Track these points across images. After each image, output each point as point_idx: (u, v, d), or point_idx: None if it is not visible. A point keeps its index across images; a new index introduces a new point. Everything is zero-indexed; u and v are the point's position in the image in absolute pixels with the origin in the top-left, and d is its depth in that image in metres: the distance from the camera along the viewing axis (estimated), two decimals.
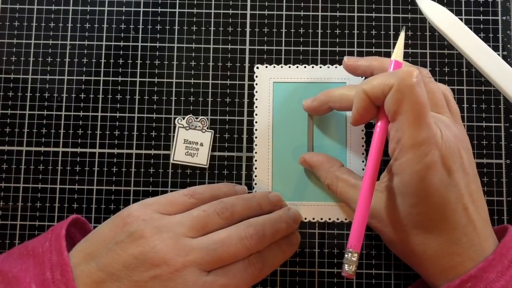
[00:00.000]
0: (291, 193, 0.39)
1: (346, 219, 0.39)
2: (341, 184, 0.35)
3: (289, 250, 0.35)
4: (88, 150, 0.41)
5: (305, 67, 0.40)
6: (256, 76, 0.41)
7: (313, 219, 0.39)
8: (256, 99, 0.40)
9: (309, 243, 0.39)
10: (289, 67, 0.40)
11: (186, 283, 0.28)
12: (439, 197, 0.29)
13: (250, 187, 0.40)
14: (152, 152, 0.41)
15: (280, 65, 0.41)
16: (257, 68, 0.41)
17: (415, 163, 0.28)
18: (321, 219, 0.39)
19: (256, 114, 0.40)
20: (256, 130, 0.40)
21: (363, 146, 0.39)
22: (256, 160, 0.40)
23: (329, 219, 0.39)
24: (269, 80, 0.40)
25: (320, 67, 0.40)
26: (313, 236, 0.39)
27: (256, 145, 0.40)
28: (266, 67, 0.40)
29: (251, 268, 0.32)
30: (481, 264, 0.29)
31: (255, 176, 0.40)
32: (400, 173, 0.29)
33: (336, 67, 0.41)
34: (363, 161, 0.39)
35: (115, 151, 0.41)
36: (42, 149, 0.41)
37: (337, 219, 0.39)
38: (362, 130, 0.40)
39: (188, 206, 0.33)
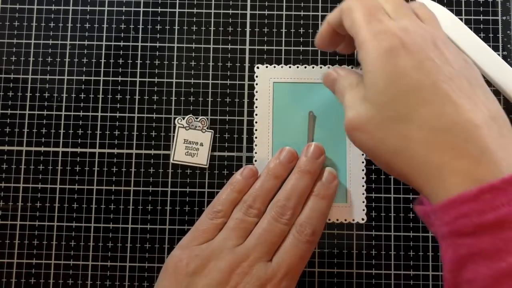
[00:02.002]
0: None
1: (345, 220, 0.39)
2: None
3: (328, 194, 0.36)
4: (88, 150, 0.41)
5: (305, 67, 0.40)
6: (256, 76, 0.40)
7: None
8: (256, 99, 0.40)
9: None
10: (289, 67, 0.40)
11: (259, 278, 0.32)
12: (409, 79, 0.26)
13: None
14: (152, 152, 0.41)
15: (280, 65, 0.40)
16: (257, 68, 0.40)
17: (374, 50, 0.28)
18: (329, 220, 0.39)
19: (256, 114, 0.40)
20: (256, 130, 0.40)
21: None
22: (255, 160, 0.40)
23: (329, 219, 0.39)
24: (269, 80, 0.40)
25: (321, 67, 0.40)
26: None
27: (256, 145, 0.40)
28: (267, 67, 0.40)
29: (302, 236, 0.34)
30: (508, 176, 0.23)
31: None
32: (364, 64, 0.28)
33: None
34: (363, 162, 0.39)
35: (115, 151, 0.41)
36: (42, 149, 0.41)
37: (337, 220, 0.39)
38: None
39: (220, 224, 0.35)
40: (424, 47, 0.27)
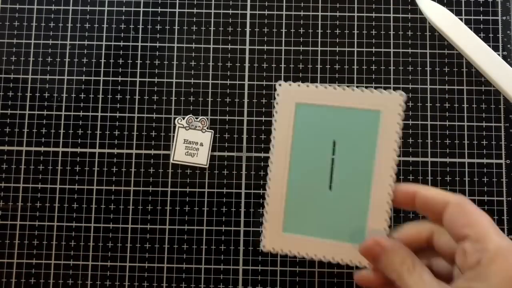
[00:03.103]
0: (305, 227, 0.35)
1: (359, 263, 0.33)
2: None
3: None
4: (88, 150, 0.41)
5: (335, 88, 0.34)
6: (278, 95, 0.35)
7: (333, 258, 0.34)
8: (276, 121, 0.34)
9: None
10: (316, 87, 0.34)
11: None
12: None
13: (249, 186, 0.40)
14: (152, 152, 0.41)
15: (306, 84, 0.35)
16: (280, 85, 0.35)
17: (508, 270, 0.26)
18: (341, 259, 0.34)
19: (273, 137, 0.34)
20: (272, 154, 0.34)
21: (390, 185, 0.34)
22: (269, 187, 0.35)
23: (350, 261, 0.33)
24: (292, 101, 0.35)
25: (353, 90, 0.34)
26: None
27: (271, 170, 0.35)
28: (290, 85, 0.35)
29: None
30: None
31: (267, 204, 0.35)
32: (488, 279, 0.26)
33: (371, 91, 0.34)
34: (389, 193, 0.34)
35: (115, 151, 0.41)
36: (42, 149, 0.41)
37: (359, 262, 0.33)
38: (392, 167, 0.34)
39: None
40: None
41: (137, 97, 0.41)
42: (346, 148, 0.35)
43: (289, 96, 0.35)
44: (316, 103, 0.35)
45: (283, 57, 0.41)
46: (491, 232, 0.27)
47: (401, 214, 0.39)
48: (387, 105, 0.34)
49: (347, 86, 0.35)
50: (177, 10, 0.42)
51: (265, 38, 0.42)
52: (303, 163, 0.35)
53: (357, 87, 0.34)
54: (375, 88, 0.42)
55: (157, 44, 0.42)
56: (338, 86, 0.35)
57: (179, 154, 0.40)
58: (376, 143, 0.34)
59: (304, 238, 0.35)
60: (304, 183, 0.35)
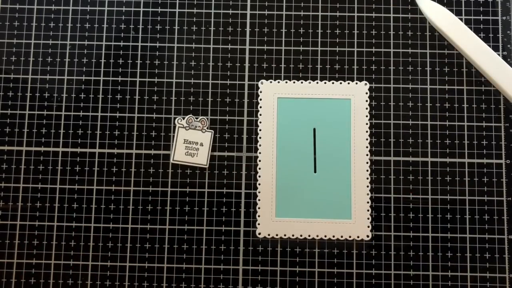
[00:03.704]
0: (296, 211, 0.39)
1: (349, 237, 0.38)
2: None
3: None
4: (88, 150, 0.41)
5: (309, 83, 0.40)
6: (261, 92, 0.40)
7: (325, 236, 0.38)
8: (261, 115, 0.40)
9: (309, 243, 0.39)
10: (294, 82, 0.40)
11: None
12: None
13: (249, 186, 0.40)
14: (152, 152, 0.41)
15: (285, 81, 0.40)
16: (261, 83, 0.40)
17: None
18: (333, 236, 0.38)
19: (260, 130, 0.40)
20: (260, 145, 0.40)
21: (367, 163, 0.39)
22: (259, 176, 0.39)
23: (333, 236, 0.38)
24: (273, 96, 0.40)
25: (325, 83, 0.40)
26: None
27: (260, 159, 0.39)
28: (271, 82, 0.40)
29: None
30: None
31: (259, 192, 0.39)
32: None
33: (340, 83, 0.40)
34: (367, 178, 0.39)
35: (115, 151, 0.41)
36: (42, 149, 0.41)
37: (341, 236, 0.38)
38: (367, 147, 0.39)
39: None
40: None
41: (137, 97, 0.41)
42: (325, 133, 0.39)
43: (270, 91, 0.40)
44: (295, 96, 0.40)
45: (283, 57, 0.41)
46: None
47: (401, 214, 0.39)
48: (355, 94, 0.40)
49: (320, 81, 0.40)
50: (177, 10, 0.42)
51: (265, 38, 0.42)
52: (288, 151, 0.39)
53: (329, 81, 0.40)
54: (373, 87, 0.42)
55: (157, 44, 0.42)
56: (312, 81, 0.40)
57: (179, 154, 0.40)
58: (350, 125, 0.39)
59: (296, 221, 0.39)
60: (291, 169, 0.39)
